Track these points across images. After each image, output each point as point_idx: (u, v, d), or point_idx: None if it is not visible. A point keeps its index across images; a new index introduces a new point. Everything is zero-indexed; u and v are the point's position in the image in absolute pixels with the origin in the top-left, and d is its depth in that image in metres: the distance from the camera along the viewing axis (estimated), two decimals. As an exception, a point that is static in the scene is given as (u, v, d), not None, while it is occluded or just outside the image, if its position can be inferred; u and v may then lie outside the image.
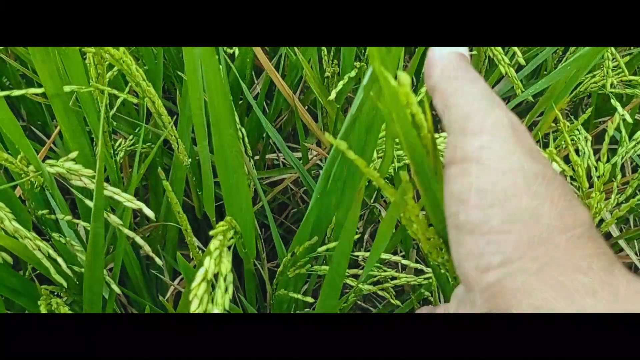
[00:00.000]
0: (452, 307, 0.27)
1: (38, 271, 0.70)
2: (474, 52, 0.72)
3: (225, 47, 0.61)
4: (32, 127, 0.76)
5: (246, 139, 0.60)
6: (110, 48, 0.43)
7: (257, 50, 0.61)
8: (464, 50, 0.27)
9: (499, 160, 0.23)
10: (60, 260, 0.41)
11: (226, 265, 0.36)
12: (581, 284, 0.21)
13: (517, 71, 0.65)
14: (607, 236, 0.92)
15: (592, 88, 0.61)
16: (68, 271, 0.42)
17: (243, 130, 0.60)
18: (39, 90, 0.42)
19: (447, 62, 0.26)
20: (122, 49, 0.44)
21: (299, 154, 0.74)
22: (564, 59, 0.70)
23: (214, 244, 0.36)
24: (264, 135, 0.75)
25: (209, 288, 0.34)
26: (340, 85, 0.56)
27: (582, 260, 0.22)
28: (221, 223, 0.40)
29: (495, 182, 0.22)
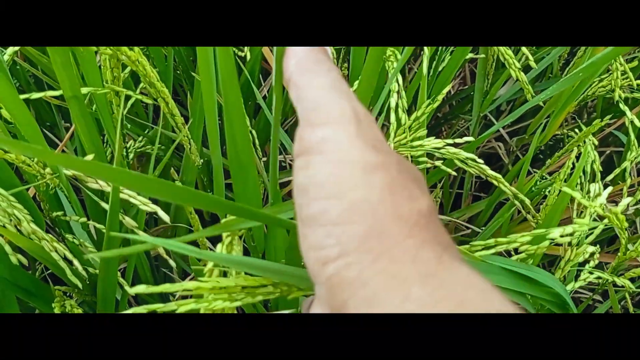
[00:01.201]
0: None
1: (49, 271, 0.70)
2: (482, 55, 0.72)
3: (236, 50, 0.62)
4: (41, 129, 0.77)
5: (257, 141, 0.61)
6: (126, 49, 0.44)
7: (267, 52, 0.62)
8: None
9: (340, 151, 0.23)
10: (76, 262, 0.41)
11: (237, 252, 0.36)
12: (409, 273, 0.21)
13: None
14: (613, 240, 0.92)
15: (599, 92, 0.62)
16: (83, 273, 0.43)
17: (253, 132, 0.60)
18: (57, 93, 0.43)
19: (303, 54, 0.26)
20: (137, 49, 0.44)
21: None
22: (572, 63, 0.70)
23: (226, 232, 0.36)
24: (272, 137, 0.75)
25: (221, 274, 0.35)
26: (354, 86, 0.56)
27: (413, 249, 0.22)
28: None
29: (335, 174, 0.22)
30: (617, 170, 0.61)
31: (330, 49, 0.28)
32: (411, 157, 0.56)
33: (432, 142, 0.51)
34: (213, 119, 0.47)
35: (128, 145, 0.63)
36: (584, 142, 0.63)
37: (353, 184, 0.22)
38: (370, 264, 0.21)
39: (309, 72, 0.25)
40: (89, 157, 0.42)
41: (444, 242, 0.23)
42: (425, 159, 0.56)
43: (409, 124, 0.53)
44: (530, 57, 0.50)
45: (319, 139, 0.23)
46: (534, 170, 0.92)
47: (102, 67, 0.48)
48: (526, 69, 0.68)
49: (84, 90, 0.43)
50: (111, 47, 0.43)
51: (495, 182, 0.53)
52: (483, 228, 0.83)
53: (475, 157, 0.50)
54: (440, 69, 0.66)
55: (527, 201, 0.53)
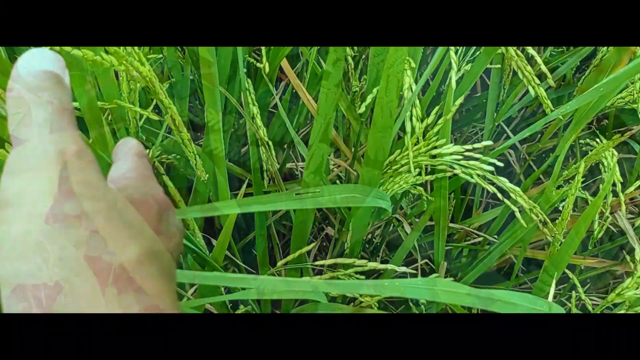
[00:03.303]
0: None
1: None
2: (497, 66, 0.72)
3: (253, 61, 0.61)
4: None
5: (273, 152, 0.60)
6: (138, 65, 0.43)
7: (285, 64, 0.61)
8: (56, 64, 0.23)
9: (34, 203, 0.20)
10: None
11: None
12: None
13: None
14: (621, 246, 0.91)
15: (618, 103, 0.61)
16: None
17: (270, 143, 0.60)
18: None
19: (25, 83, 0.22)
20: (147, 66, 0.44)
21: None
22: (588, 71, 0.70)
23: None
24: (284, 146, 0.75)
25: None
26: (369, 99, 0.56)
27: (104, 307, 0.21)
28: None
29: (26, 230, 0.20)
30: (638, 183, 0.61)
31: (64, 70, 0.24)
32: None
33: (452, 148, 0.51)
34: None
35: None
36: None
37: (42, 240, 0.20)
38: None
39: (23, 106, 0.22)
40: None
41: (144, 296, 0.22)
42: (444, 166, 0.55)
43: (420, 132, 0.52)
44: (549, 75, 0.49)
45: (15, 190, 0.21)
46: (544, 178, 0.91)
47: (120, 78, 0.48)
48: (539, 76, 0.68)
49: (101, 104, 0.43)
50: (124, 63, 0.42)
51: (513, 196, 0.52)
52: (496, 236, 0.82)
53: (502, 180, 0.50)
54: (456, 78, 0.66)
55: (545, 216, 0.52)
